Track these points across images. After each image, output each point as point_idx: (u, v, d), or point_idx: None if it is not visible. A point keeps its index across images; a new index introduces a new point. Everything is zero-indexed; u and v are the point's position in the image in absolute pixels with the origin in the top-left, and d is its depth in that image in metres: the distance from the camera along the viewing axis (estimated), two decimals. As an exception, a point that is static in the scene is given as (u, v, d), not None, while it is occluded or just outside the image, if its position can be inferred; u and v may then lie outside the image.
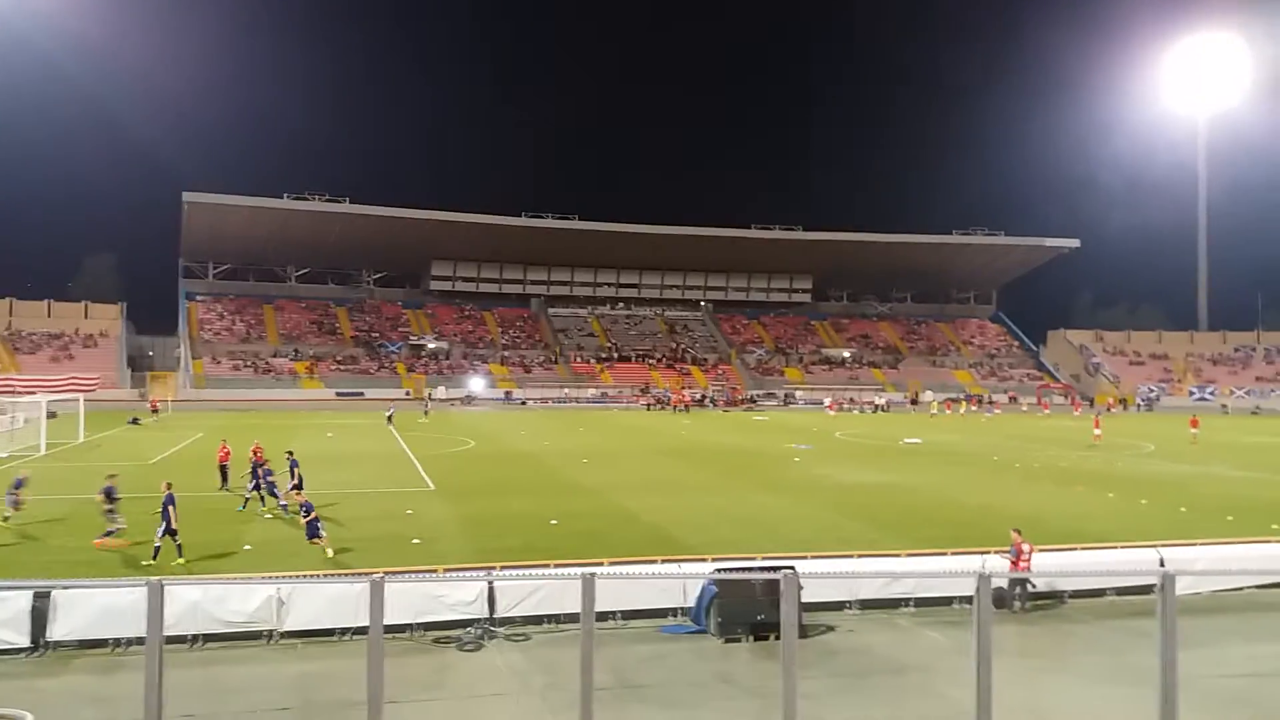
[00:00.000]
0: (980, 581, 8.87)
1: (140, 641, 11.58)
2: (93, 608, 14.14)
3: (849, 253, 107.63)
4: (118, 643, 14.12)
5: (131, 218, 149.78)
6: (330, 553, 19.55)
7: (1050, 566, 17.53)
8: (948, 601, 17.11)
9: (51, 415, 43.74)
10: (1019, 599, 17.20)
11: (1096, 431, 51.45)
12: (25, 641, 13.94)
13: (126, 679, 12.50)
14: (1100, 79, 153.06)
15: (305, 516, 20.01)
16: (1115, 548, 20.07)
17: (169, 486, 19.29)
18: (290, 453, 26.70)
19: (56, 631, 14.10)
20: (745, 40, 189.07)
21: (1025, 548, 17.37)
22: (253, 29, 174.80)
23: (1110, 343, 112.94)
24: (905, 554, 19.28)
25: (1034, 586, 17.35)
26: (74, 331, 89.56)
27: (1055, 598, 17.76)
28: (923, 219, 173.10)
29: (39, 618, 14.02)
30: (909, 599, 17.10)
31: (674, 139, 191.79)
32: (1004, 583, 16.91)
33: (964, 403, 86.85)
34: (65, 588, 14.41)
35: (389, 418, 56.82)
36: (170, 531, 18.82)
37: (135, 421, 55.86)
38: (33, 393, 49.11)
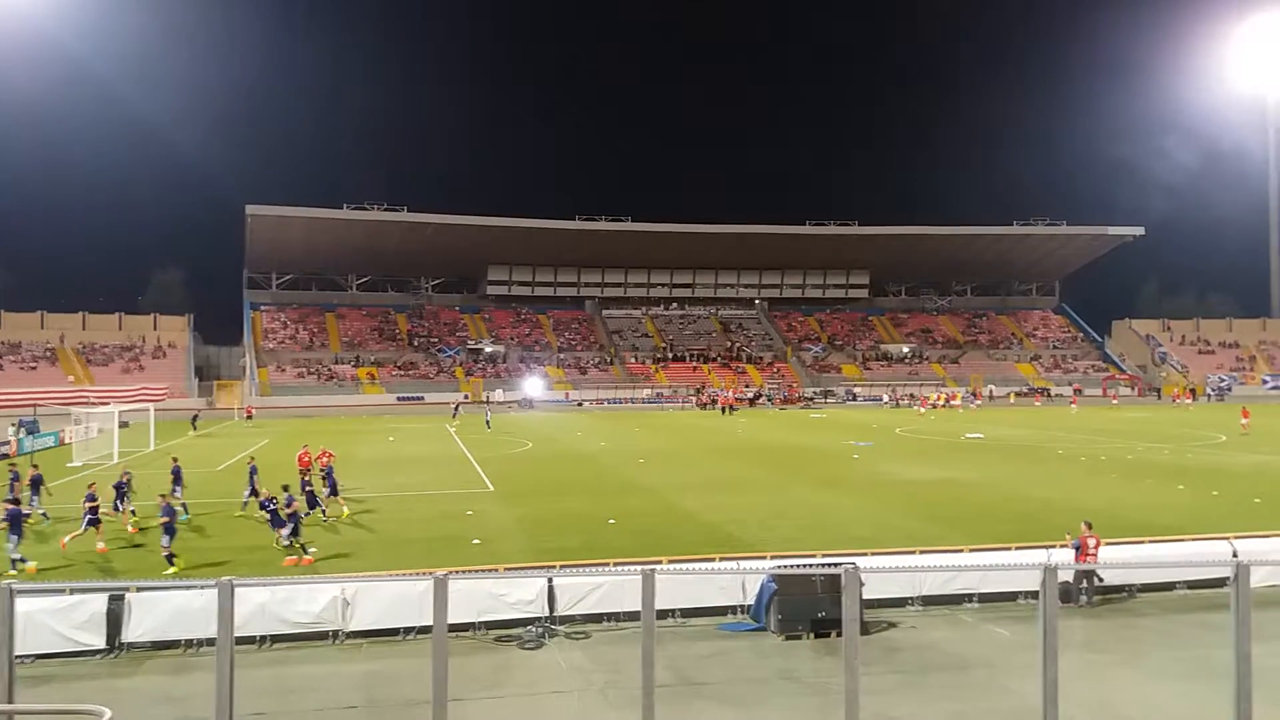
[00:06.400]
0: (1046, 574, 8.73)
1: (211, 642, 11.89)
2: (166, 609, 14.50)
3: (906, 247, 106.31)
4: (189, 643, 14.48)
5: (198, 232, 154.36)
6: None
7: (1118, 559, 17.13)
8: (1012, 597, 16.84)
9: (124, 425, 45.06)
10: (1085, 593, 16.85)
11: (1244, 421, 50.19)
12: (101, 643, 14.34)
13: (198, 678, 12.84)
14: (1162, 61, 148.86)
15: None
16: (1186, 540, 19.57)
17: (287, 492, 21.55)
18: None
19: (131, 633, 14.49)
20: (796, 37, 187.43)
21: (1091, 541, 17.01)
22: (307, 43, 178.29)
23: (1178, 331, 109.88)
24: (968, 549, 19.01)
25: (1101, 580, 16.98)
26: (143, 343, 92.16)
27: (1123, 591, 17.35)
28: (982, 210, 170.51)
29: (114, 620, 14.43)
30: (972, 594, 16.85)
31: (726, 137, 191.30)
32: (1070, 576, 16.57)
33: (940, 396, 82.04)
34: (140, 589, 14.81)
35: (455, 411, 57.18)
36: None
37: (194, 423, 58.49)
38: (106, 403, 50.60)
